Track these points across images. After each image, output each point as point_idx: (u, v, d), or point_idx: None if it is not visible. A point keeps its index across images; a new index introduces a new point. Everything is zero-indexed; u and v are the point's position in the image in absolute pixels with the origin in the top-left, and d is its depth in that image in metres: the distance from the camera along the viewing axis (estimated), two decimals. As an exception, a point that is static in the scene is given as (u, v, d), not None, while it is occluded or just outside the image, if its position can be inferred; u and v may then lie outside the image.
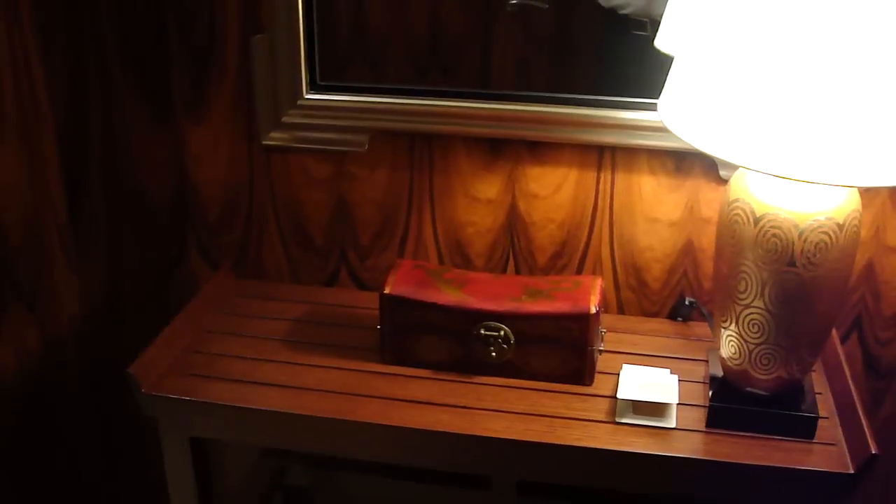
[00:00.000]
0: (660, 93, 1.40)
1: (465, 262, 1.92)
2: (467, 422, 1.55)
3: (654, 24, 1.57)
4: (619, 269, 1.87)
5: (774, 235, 1.36)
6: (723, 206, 1.45)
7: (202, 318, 1.82)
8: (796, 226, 1.34)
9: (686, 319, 1.85)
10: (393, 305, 1.65)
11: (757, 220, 1.37)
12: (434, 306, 1.63)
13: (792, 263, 1.36)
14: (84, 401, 2.01)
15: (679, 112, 1.31)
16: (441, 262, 1.93)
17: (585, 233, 1.85)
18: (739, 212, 1.39)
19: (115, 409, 2.07)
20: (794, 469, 1.45)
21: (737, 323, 1.46)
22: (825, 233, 1.34)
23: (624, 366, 1.66)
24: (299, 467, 2.16)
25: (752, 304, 1.42)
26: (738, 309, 1.45)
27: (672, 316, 1.87)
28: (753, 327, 1.44)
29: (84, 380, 1.99)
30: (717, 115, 1.23)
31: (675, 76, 1.35)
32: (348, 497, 2.18)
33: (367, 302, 1.84)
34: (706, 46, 1.25)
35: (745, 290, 1.42)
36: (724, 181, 1.72)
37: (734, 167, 1.50)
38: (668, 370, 1.65)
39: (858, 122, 1.15)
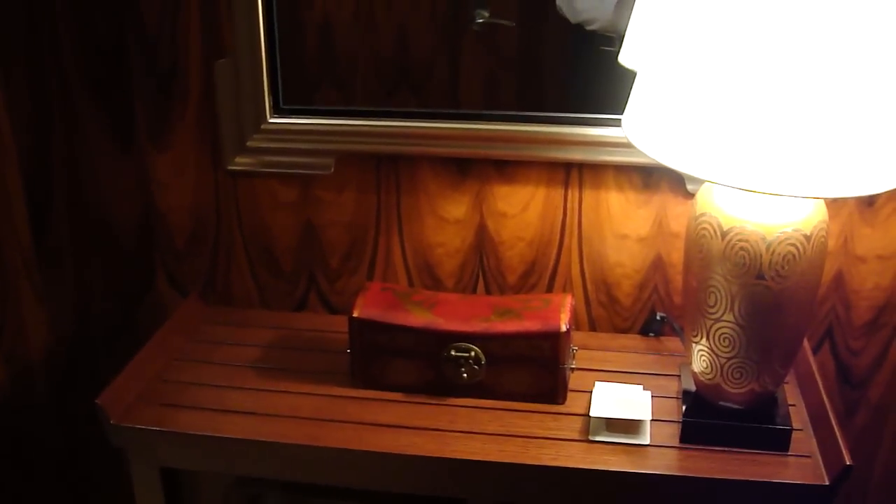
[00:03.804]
0: (625, 108, 1.40)
1: (435, 282, 1.91)
2: (440, 445, 1.54)
3: (622, 40, 1.57)
4: (589, 285, 1.86)
5: (742, 248, 1.35)
6: (690, 221, 1.45)
7: (171, 346, 1.80)
8: (764, 238, 1.34)
9: (658, 335, 1.84)
10: (362, 329, 1.64)
11: (724, 234, 1.36)
12: (403, 329, 1.62)
13: (761, 276, 1.36)
14: (53, 432, 1.98)
15: (643, 127, 1.31)
16: (410, 283, 1.92)
17: (555, 250, 1.84)
18: (706, 226, 1.39)
19: (84, 440, 2.05)
20: (769, 483, 1.45)
21: (707, 337, 1.45)
22: (793, 245, 1.34)
23: (596, 383, 1.65)
24: (275, 495, 2.14)
25: (723, 318, 1.42)
26: (709, 323, 1.44)
27: (644, 331, 1.87)
28: (724, 341, 1.44)
29: (53, 411, 1.97)
30: (681, 130, 1.23)
31: (639, 91, 1.34)
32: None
33: (337, 326, 1.83)
34: (669, 61, 1.25)
35: (715, 304, 1.41)
36: (692, 195, 1.72)
37: (701, 181, 1.50)
38: (641, 386, 1.64)
39: (823, 133, 1.15)
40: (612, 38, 1.66)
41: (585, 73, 1.76)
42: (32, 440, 1.93)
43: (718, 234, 1.37)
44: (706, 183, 1.43)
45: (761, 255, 1.35)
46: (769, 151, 1.17)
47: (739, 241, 1.35)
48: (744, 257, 1.36)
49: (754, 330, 1.41)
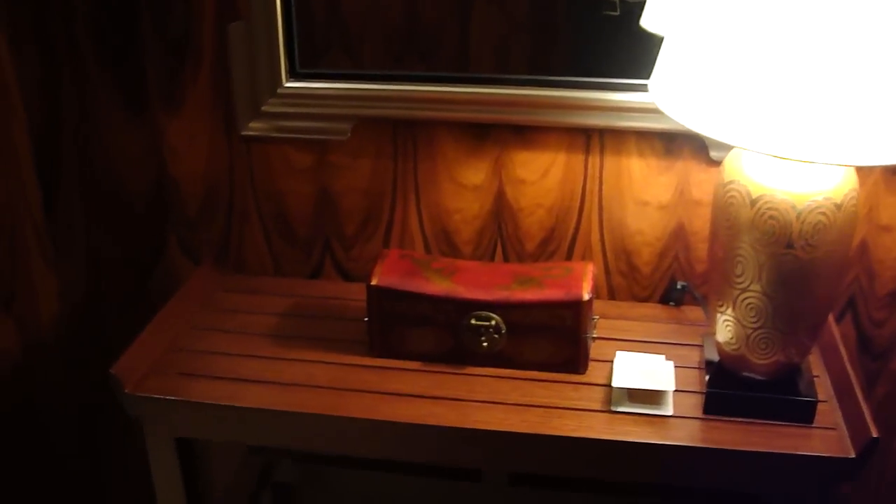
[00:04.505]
0: (647, 73, 1.37)
1: (452, 250, 1.88)
2: (459, 415, 1.52)
3: (624, 5, 1.55)
4: (609, 253, 1.84)
5: (771, 217, 1.32)
6: (717, 189, 1.42)
7: (185, 314, 1.78)
8: (794, 207, 1.31)
9: (678, 304, 1.82)
10: (380, 297, 1.62)
11: (753, 202, 1.34)
12: (423, 297, 1.60)
13: (790, 245, 1.33)
14: (66, 401, 1.97)
15: (672, 93, 1.28)
16: (427, 250, 1.89)
17: (574, 218, 1.81)
18: (735, 193, 1.36)
19: (98, 409, 2.04)
20: (794, 455, 1.43)
21: (734, 307, 1.43)
22: (823, 213, 1.31)
23: (618, 353, 1.63)
24: (288, 463, 2.13)
25: (750, 288, 1.39)
26: (735, 293, 1.42)
27: (664, 300, 1.85)
28: (751, 311, 1.41)
29: (65, 380, 1.96)
30: (711, 96, 1.20)
31: (666, 56, 1.31)
32: (338, 493, 2.15)
33: (354, 293, 1.81)
34: (698, 25, 1.22)
35: (742, 273, 1.39)
36: (715, 162, 1.69)
37: (725, 148, 1.47)
38: (664, 356, 1.62)
39: (855, 99, 1.12)
40: (613, 3, 1.63)
41: (596, 37, 1.73)
42: (45, 408, 1.92)
43: (747, 202, 1.34)
44: (734, 150, 1.41)
45: (791, 224, 1.32)
46: (801, 118, 1.14)
47: (769, 209, 1.32)
48: (773, 226, 1.33)
49: (782, 300, 1.39)
